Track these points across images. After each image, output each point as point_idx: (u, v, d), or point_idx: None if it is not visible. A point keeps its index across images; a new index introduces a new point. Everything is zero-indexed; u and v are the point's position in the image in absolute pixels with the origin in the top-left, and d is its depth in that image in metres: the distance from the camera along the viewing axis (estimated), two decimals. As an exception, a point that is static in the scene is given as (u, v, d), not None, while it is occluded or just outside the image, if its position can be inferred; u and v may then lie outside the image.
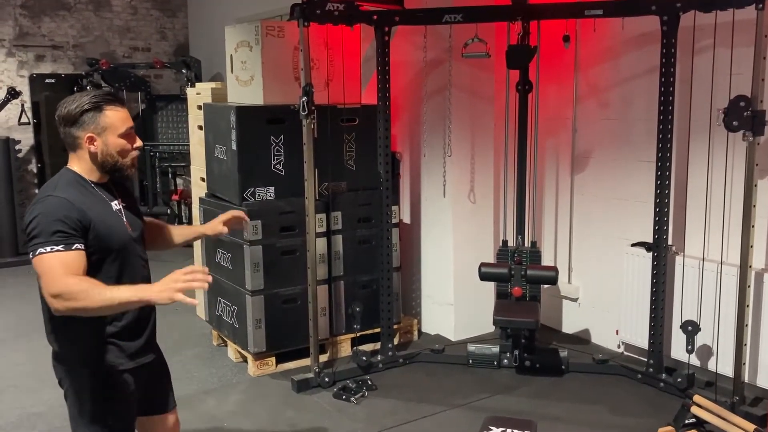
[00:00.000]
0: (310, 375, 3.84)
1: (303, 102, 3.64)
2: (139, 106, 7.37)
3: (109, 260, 2.04)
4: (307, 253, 3.83)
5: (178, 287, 1.84)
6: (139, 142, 2.13)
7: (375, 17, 3.89)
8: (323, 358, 4.14)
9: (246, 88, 4.16)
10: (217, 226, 2.51)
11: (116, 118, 2.05)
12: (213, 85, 4.74)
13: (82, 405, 2.07)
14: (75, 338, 2.06)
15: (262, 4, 6.12)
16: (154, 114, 7.44)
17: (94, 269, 1.99)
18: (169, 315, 4.53)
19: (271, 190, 4.02)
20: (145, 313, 2.16)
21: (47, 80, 6.98)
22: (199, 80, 7.10)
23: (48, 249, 1.89)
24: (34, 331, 4.84)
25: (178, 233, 2.49)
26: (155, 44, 7.82)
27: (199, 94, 4.81)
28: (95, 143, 2.03)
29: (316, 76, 3.91)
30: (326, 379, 3.82)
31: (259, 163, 3.96)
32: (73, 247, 1.92)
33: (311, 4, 3.66)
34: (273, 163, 4.00)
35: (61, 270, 1.87)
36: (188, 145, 5.18)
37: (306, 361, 3.98)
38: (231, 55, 4.28)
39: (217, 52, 5.18)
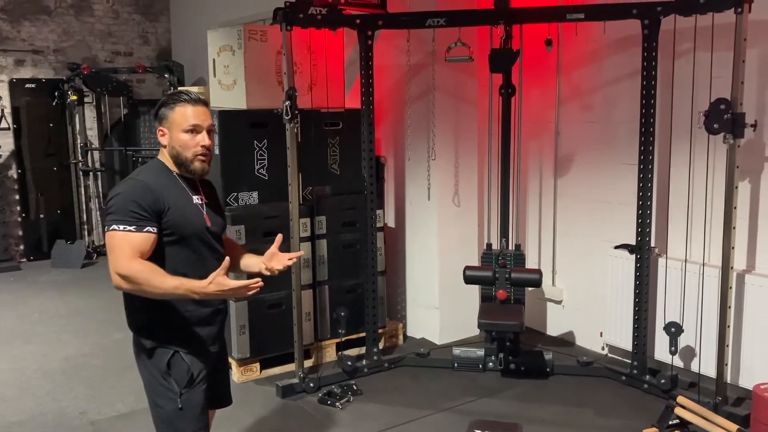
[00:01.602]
0: (295, 380, 3.81)
1: (286, 106, 3.63)
2: (121, 111, 7.31)
3: (185, 245, 2.14)
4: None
5: (237, 294, 2.03)
6: (205, 140, 2.18)
7: (358, 21, 3.89)
8: (308, 363, 4.12)
9: (229, 92, 4.14)
10: (262, 263, 2.35)
11: (180, 114, 2.15)
12: (196, 89, 4.71)
13: (156, 384, 2.17)
14: (166, 317, 2.15)
15: (244, 8, 6.10)
16: (136, 118, 7.38)
17: (170, 253, 2.11)
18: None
19: (255, 194, 4.00)
20: (219, 303, 2.26)
21: (27, 85, 6.90)
22: (182, 84, 7.06)
23: (120, 228, 2.02)
24: (15, 338, 4.79)
25: (245, 263, 2.40)
26: (137, 48, 7.76)
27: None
28: (165, 137, 2.18)
29: (299, 80, 3.90)
30: (311, 385, 3.80)
31: (242, 167, 3.94)
32: (144, 230, 2.04)
33: (294, 9, 3.65)
34: (256, 167, 3.98)
35: (129, 251, 2.00)
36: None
37: (291, 367, 3.96)
38: (214, 60, 4.26)
39: (200, 56, 5.16)
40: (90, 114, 7.30)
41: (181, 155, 2.16)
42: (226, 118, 3.91)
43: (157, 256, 2.08)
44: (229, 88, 4.14)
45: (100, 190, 7.39)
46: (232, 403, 2.52)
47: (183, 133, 2.15)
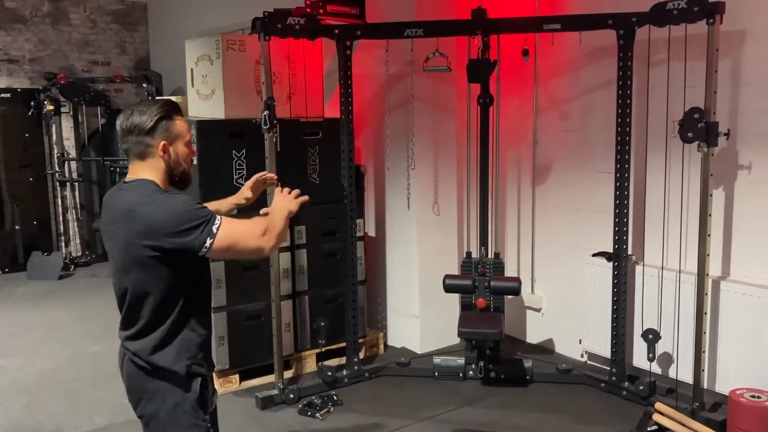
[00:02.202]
0: (275, 392, 3.79)
1: (265, 116, 3.62)
2: (98, 121, 7.25)
3: (198, 265, 2.09)
4: (271, 268, 3.80)
5: (295, 202, 2.21)
6: (195, 152, 2.23)
7: (336, 31, 3.90)
8: (288, 374, 4.10)
9: (207, 102, 4.12)
10: (246, 192, 2.54)
11: (183, 127, 2.11)
12: (174, 99, 4.69)
13: (180, 414, 2.06)
14: (184, 348, 2.07)
15: (223, 17, 6.09)
16: (114, 129, 7.29)
17: (188, 271, 2.04)
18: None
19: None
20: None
21: (2, 95, 6.81)
22: (161, 94, 7.03)
23: (218, 222, 1.96)
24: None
25: (221, 208, 2.49)
26: (115, 58, 7.71)
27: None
28: (168, 151, 2.06)
29: (278, 90, 3.90)
30: (291, 396, 3.78)
31: (220, 177, 3.91)
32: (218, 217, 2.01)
33: (273, 18, 3.65)
34: (235, 177, 3.96)
35: (243, 221, 2.04)
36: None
37: (270, 378, 3.94)
38: (192, 69, 4.24)
39: (179, 65, 5.12)
40: (67, 124, 7.24)
41: (182, 168, 2.11)
42: (205, 128, 3.89)
43: (190, 271, 2.04)
44: (207, 98, 4.12)
45: (78, 200, 7.31)
46: None
47: (185, 145, 2.11)
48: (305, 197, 2.27)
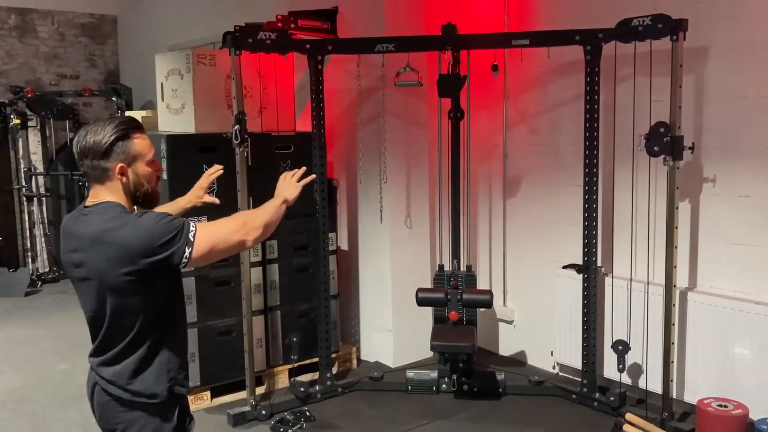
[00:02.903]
0: (247, 408, 3.75)
1: (236, 130, 3.61)
2: (66, 135, 7.15)
3: (173, 282, 2.04)
4: (242, 283, 3.77)
5: (298, 184, 2.26)
6: (162, 169, 2.12)
7: (308, 46, 3.91)
8: (260, 390, 4.06)
9: (177, 117, 4.10)
10: (197, 191, 2.53)
11: (143, 145, 1.98)
12: (144, 113, 4.66)
13: None
14: (164, 369, 2.00)
15: (193, 32, 6.07)
16: (83, 142, 7.22)
17: (164, 290, 1.98)
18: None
19: (204, 219, 3.92)
20: None
21: (-33, 108, 6.72)
22: (130, 108, 6.96)
23: (193, 228, 1.91)
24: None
25: (179, 208, 2.49)
26: (84, 72, 7.63)
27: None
28: (127, 173, 1.95)
29: (249, 104, 3.89)
30: (263, 412, 3.74)
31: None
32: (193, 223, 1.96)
33: (243, 33, 3.65)
34: (206, 191, 3.92)
35: (220, 221, 2.02)
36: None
37: (242, 394, 3.90)
38: (162, 83, 4.22)
39: (149, 79, 5.09)
40: (34, 138, 7.12)
41: (145, 188, 2.00)
42: (175, 142, 3.86)
43: (167, 288, 1.99)
44: (177, 112, 4.10)
45: (45, 215, 7.19)
46: None
47: (146, 165, 1.98)
48: (310, 177, 2.33)
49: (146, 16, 7.18)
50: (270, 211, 2.15)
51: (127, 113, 5.14)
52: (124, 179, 1.95)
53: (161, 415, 1.99)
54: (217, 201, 2.61)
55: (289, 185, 2.27)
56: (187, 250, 1.88)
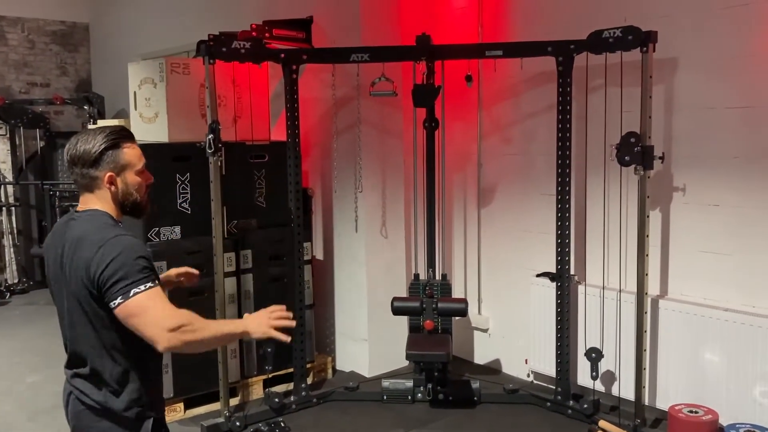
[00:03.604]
0: (221, 420, 3.71)
1: (209, 139, 3.59)
2: (37, 144, 7.05)
3: None
4: (216, 293, 3.74)
5: (273, 324, 1.94)
6: (151, 178, 2.07)
7: (282, 56, 3.90)
8: (234, 401, 4.02)
9: (150, 125, 4.06)
10: (173, 275, 2.37)
11: (133, 155, 1.98)
12: (116, 122, 4.60)
13: None
14: (135, 393, 1.95)
15: (167, 40, 6.03)
16: (54, 151, 7.11)
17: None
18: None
19: (177, 229, 3.91)
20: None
21: (-66, 117, 6.59)
22: (103, 117, 6.88)
23: (143, 288, 1.80)
24: None
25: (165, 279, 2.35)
26: (55, 80, 7.53)
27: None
28: (116, 182, 1.95)
29: (223, 113, 3.87)
30: (237, 424, 3.70)
31: (164, 201, 3.85)
32: (157, 283, 1.86)
33: (218, 42, 3.64)
34: (179, 201, 3.91)
35: (167, 304, 1.83)
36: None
37: (216, 406, 3.86)
38: (135, 92, 4.18)
39: (122, 88, 5.05)
40: (3, 146, 7.00)
41: (134, 198, 1.99)
42: (148, 151, 3.75)
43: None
44: (150, 121, 4.06)
45: (14, 225, 7.06)
46: None
47: (136, 174, 1.98)
48: (291, 323, 1.98)
49: (119, 24, 7.12)
50: (220, 332, 1.92)
51: (100, 122, 5.08)
52: (113, 188, 1.95)
53: (134, 429, 1.96)
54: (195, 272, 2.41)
55: (261, 323, 1.95)
56: (119, 300, 1.79)
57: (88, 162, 1.92)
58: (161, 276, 2.23)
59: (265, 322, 1.95)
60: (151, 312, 1.79)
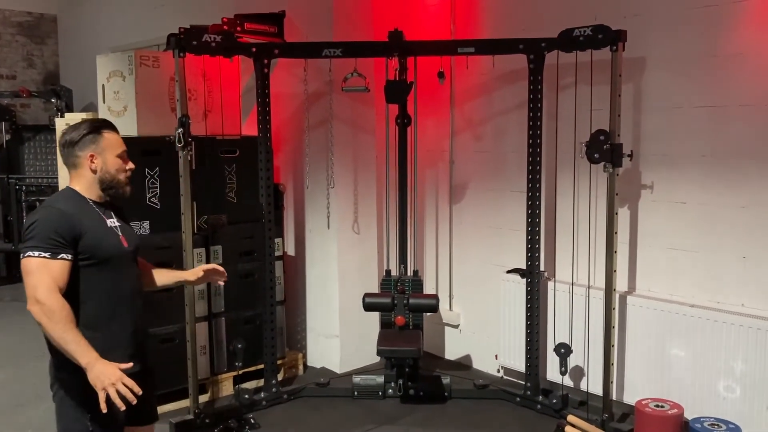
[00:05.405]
0: (190, 416, 3.67)
1: (179, 133, 3.54)
2: (2, 137, 6.90)
3: (103, 268, 2.21)
4: (185, 289, 3.70)
5: (115, 387, 2.00)
6: (131, 165, 2.35)
7: (254, 50, 3.87)
8: (204, 398, 3.99)
9: (119, 119, 3.99)
10: (198, 272, 2.61)
11: (113, 139, 2.30)
12: (84, 115, 4.52)
13: (67, 407, 2.19)
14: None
15: (137, 33, 5.95)
16: (20, 145, 6.98)
17: (89, 276, 2.18)
18: (36, 361, 4.20)
19: (146, 224, 3.86)
20: (136, 323, 2.33)
21: None
22: (71, 110, 6.78)
23: (36, 254, 2.07)
24: None
25: (160, 276, 2.57)
26: (21, 72, 7.39)
27: (68, 124, 4.56)
28: (95, 161, 2.25)
29: (193, 107, 3.83)
30: (207, 420, 3.67)
31: (132, 196, 3.75)
32: (59, 257, 2.09)
33: (188, 35, 3.59)
34: (148, 196, 3.86)
35: (49, 279, 2.05)
36: (57, 177, 4.89)
37: (185, 402, 3.81)
38: (103, 85, 4.11)
39: (90, 81, 4.96)
40: (-32, 140, 6.87)
41: (115, 178, 2.28)
42: (116, 145, 3.76)
43: (73, 281, 2.14)
44: (119, 115, 4.00)
45: (-21, 220, 6.92)
46: (158, 419, 2.53)
47: (116, 157, 2.28)
48: (129, 397, 2.02)
49: (88, 16, 7.00)
50: (66, 345, 2.04)
51: (68, 115, 4.98)
52: (93, 165, 2.25)
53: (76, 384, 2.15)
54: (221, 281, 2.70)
55: (105, 379, 2.02)
56: (21, 255, 2.11)
57: (73, 143, 2.25)
58: (193, 270, 2.65)
59: (107, 381, 2.01)
60: (34, 276, 2.06)
